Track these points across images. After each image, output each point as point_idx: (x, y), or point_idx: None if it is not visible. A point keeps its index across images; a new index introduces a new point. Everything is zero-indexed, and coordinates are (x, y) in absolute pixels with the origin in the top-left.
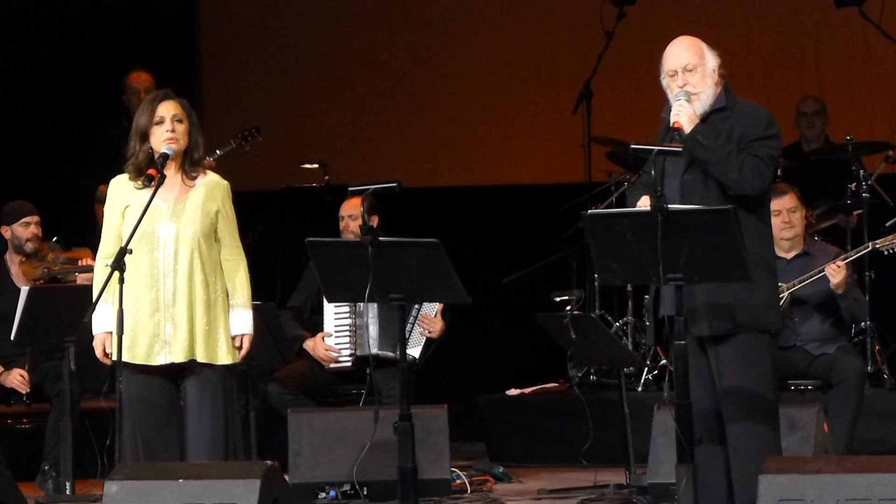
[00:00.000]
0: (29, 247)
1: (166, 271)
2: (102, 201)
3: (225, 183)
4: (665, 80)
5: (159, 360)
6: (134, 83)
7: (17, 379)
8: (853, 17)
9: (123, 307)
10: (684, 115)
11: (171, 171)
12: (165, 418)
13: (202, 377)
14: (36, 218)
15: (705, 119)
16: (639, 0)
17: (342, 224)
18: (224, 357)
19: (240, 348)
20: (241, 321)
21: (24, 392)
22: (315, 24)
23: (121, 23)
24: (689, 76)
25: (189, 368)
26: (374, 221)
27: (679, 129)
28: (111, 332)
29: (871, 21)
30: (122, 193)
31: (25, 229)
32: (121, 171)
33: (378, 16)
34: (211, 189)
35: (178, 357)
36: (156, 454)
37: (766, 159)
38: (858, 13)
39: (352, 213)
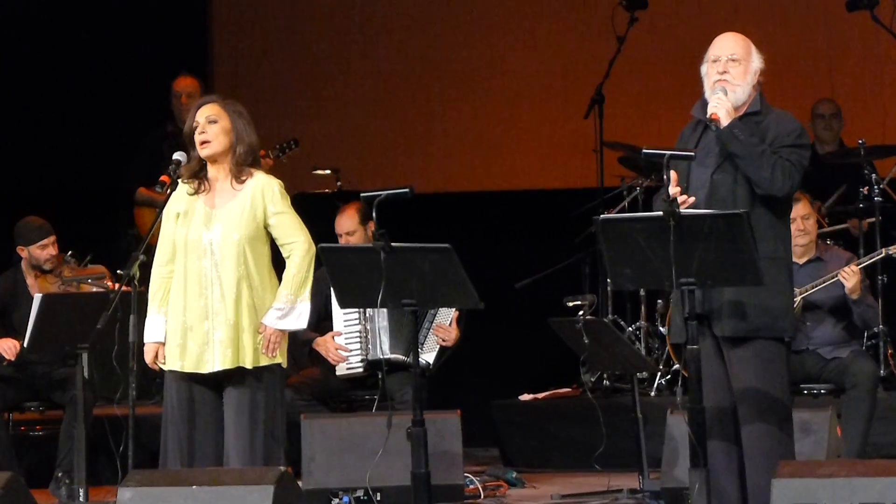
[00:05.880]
0: (47, 266)
1: (213, 278)
2: (142, 204)
3: (274, 181)
4: (705, 67)
5: (208, 367)
6: (176, 87)
7: (5, 344)
8: (865, 21)
9: (174, 316)
10: (722, 108)
11: (222, 175)
12: (207, 427)
13: (245, 384)
14: (52, 238)
15: (739, 119)
16: (651, 5)
17: (341, 241)
18: (269, 361)
19: (268, 343)
20: (269, 314)
21: (8, 359)
22: (327, 31)
23: (134, 28)
24: (732, 66)
25: (234, 376)
26: (370, 228)
27: (716, 122)
28: (162, 343)
29: (882, 25)
30: (178, 200)
31: (43, 251)
32: (159, 175)
33: (390, 21)
34: (259, 191)
35: (226, 364)
36: (197, 461)
37: (797, 165)
38: (870, 17)
39: (349, 230)
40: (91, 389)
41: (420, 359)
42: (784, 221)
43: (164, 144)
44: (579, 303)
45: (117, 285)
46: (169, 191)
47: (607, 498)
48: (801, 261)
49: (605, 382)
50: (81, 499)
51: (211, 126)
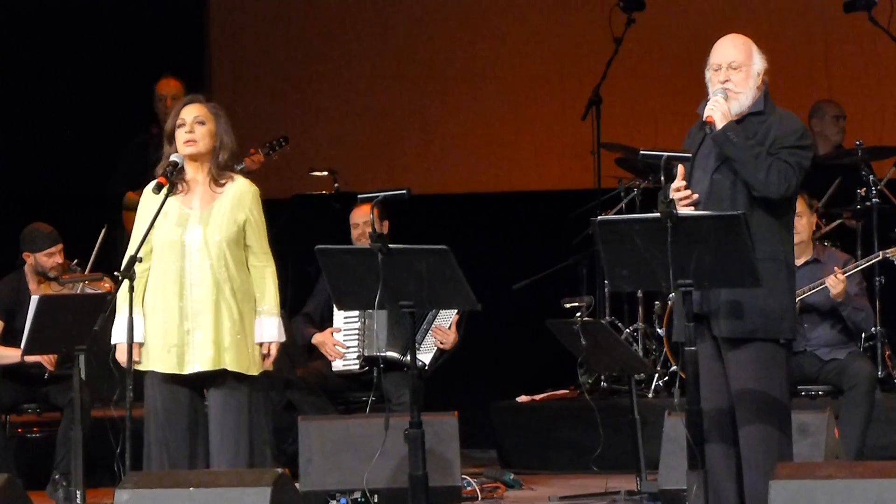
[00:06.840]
0: (52, 274)
1: (194, 280)
2: (130, 208)
3: (254, 188)
4: (708, 74)
5: (189, 369)
6: (161, 90)
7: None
8: (863, 23)
9: (153, 316)
10: (718, 111)
11: (200, 176)
12: (190, 428)
13: (229, 387)
14: (60, 247)
15: (741, 121)
16: (648, 6)
17: (356, 232)
18: (252, 366)
19: (267, 356)
20: (268, 328)
21: (49, 369)
22: (323, 32)
23: (130, 30)
24: (733, 73)
25: (216, 377)
26: (385, 227)
27: (711, 124)
28: (141, 343)
29: (880, 26)
30: (152, 202)
31: (49, 259)
32: (148, 179)
33: (387, 23)
34: (239, 195)
35: (208, 366)
36: (180, 463)
37: (795, 167)
38: (868, 18)
39: (367, 220)
40: (88, 391)
41: (417, 357)
42: (784, 223)
43: (150, 147)
44: (577, 304)
45: (113, 286)
46: (166, 192)
47: (605, 499)
48: (798, 262)
49: (603, 384)
50: (79, 501)
51: (199, 127)
